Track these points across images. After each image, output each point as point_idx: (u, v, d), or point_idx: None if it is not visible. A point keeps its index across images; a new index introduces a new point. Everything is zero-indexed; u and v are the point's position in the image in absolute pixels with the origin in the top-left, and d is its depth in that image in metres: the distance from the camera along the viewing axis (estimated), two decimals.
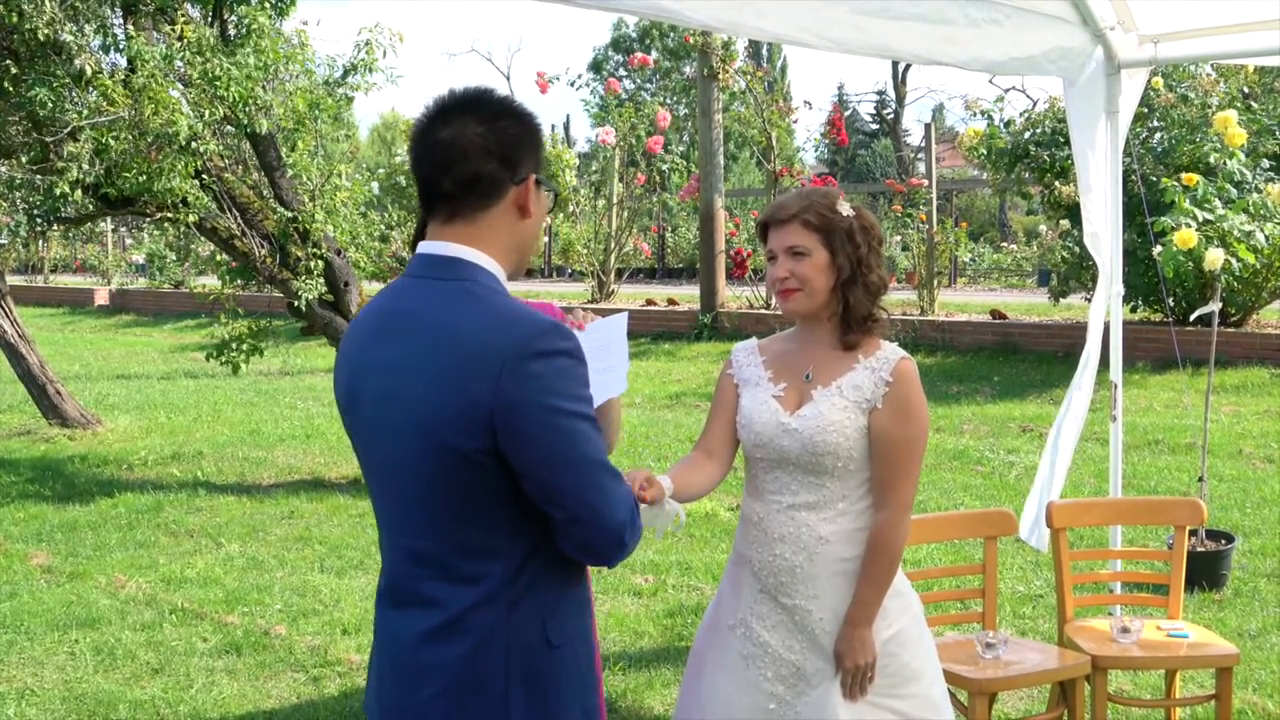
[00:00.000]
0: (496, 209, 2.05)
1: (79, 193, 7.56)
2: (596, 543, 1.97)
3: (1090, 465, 7.67)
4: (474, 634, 1.96)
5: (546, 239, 21.60)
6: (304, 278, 7.82)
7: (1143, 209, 7.25)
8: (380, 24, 8.01)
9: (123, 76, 7.56)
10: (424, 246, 2.08)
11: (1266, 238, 8.62)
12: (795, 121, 16.27)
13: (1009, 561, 6.04)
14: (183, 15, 7.61)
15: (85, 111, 7.41)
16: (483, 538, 1.97)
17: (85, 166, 7.40)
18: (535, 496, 1.94)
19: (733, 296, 15.76)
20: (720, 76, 14.86)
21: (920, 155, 25.13)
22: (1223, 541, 5.79)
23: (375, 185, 14.82)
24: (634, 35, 42.29)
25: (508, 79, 34.73)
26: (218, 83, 7.26)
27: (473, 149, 2.02)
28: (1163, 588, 4.25)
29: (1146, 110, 10.82)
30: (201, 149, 7.52)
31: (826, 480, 2.68)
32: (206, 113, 7.35)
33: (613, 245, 17.14)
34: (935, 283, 14.34)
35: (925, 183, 14.99)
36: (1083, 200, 4.74)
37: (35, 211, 7.79)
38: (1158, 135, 11.17)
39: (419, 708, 2.00)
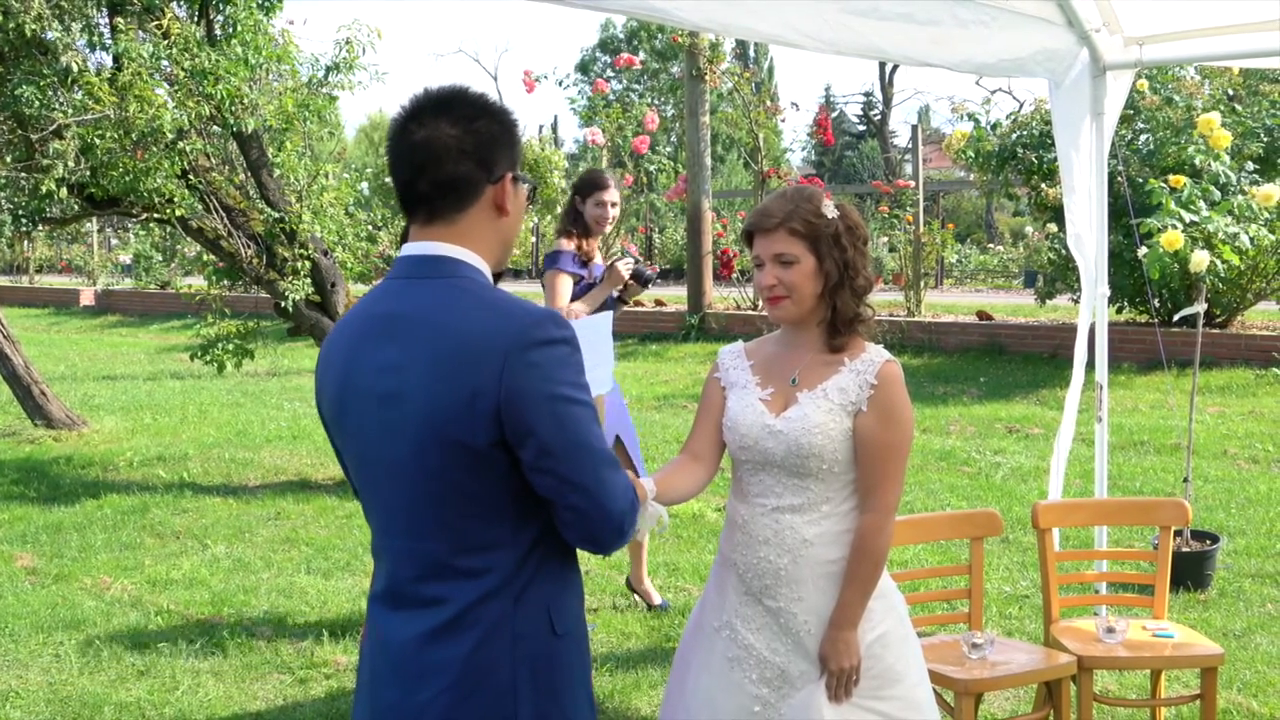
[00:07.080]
0: (474, 209, 2.06)
1: (64, 192, 7.52)
2: (598, 531, 2.00)
3: (1076, 466, 7.66)
4: (480, 627, 1.98)
5: (534, 239, 21.58)
6: (290, 278, 7.79)
7: (1128, 211, 7.28)
8: (358, 20, 7.96)
9: (109, 75, 7.52)
10: (407, 249, 2.08)
11: (1251, 239, 8.65)
12: (783, 122, 16.31)
13: (995, 562, 6.05)
14: (169, 14, 7.57)
15: (71, 110, 7.37)
16: (488, 532, 1.98)
17: (71, 165, 7.37)
18: (538, 486, 1.97)
19: (720, 297, 15.76)
20: (707, 77, 14.86)
21: (907, 156, 25.20)
22: (1208, 542, 5.82)
23: (365, 185, 14.77)
24: (621, 36, 42.27)
25: (495, 80, 34.64)
26: (206, 79, 7.23)
27: (448, 152, 2.02)
28: (1148, 588, 4.27)
29: (1132, 112, 10.86)
30: (188, 148, 7.49)
31: (811, 483, 2.69)
32: (192, 110, 7.32)
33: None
34: (922, 284, 14.37)
35: (912, 184, 15.03)
36: (1066, 201, 4.76)
37: (20, 211, 7.74)
38: (1143, 137, 11.21)
39: (422, 706, 2.00)
